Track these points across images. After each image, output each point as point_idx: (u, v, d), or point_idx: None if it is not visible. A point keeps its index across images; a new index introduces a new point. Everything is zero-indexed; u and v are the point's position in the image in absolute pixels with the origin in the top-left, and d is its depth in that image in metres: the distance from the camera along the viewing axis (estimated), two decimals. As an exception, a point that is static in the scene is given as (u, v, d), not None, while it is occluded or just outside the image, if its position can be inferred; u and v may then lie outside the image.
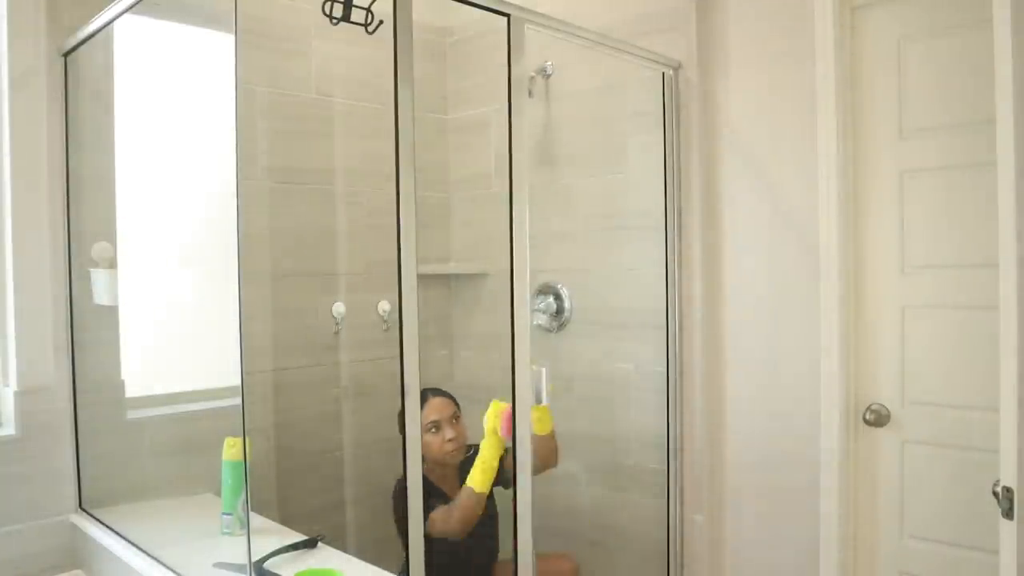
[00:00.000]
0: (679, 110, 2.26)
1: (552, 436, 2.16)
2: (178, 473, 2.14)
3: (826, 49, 1.98)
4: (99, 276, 2.03)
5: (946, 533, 1.88)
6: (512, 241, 1.70)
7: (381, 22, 2.11)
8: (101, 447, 2.08)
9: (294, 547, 1.78)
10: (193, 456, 2.10)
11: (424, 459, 1.51)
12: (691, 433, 2.28)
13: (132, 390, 2.15)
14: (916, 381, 1.93)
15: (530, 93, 2.59)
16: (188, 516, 2.07)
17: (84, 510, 2.03)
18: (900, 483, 1.96)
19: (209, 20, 2.08)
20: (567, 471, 2.55)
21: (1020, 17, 1.29)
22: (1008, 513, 1.31)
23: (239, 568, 1.65)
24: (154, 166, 2.16)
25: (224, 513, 1.87)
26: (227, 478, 1.87)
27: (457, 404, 2.29)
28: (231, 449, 1.87)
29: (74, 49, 2.00)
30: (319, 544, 1.82)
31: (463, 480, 2.28)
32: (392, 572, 1.68)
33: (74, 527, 1.99)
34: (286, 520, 2.05)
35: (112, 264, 2.04)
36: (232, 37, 1.57)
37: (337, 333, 2.57)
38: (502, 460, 2.30)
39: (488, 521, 2.31)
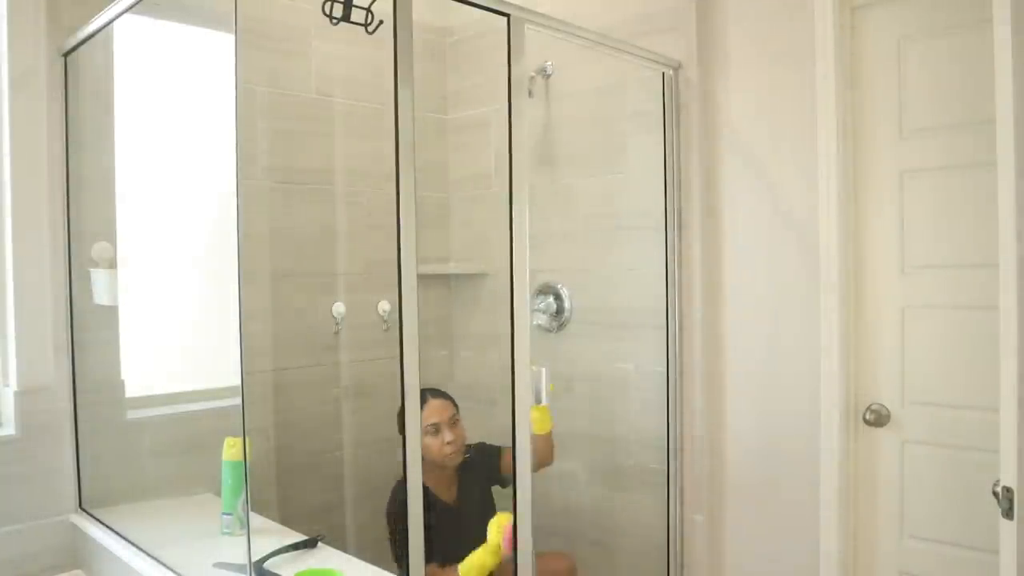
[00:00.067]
0: (679, 110, 2.26)
1: (550, 435, 2.16)
2: (178, 473, 2.14)
3: (826, 49, 1.98)
4: (99, 276, 2.03)
5: (946, 533, 1.88)
6: (512, 241, 1.70)
7: (381, 22, 2.11)
8: (101, 447, 2.08)
9: (294, 547, 1.78)
10: (193, 456, 2.10)
11: (422, 461, 1.51)
12: (691, 433, 2.28)
13: (132, 390, 2.15)
14: (916, 381, 1.93)
15: (530, 93, 2.59)
16: (188, 516, 2.07)
17: (84, 510, 2.03)
18: (900, 483, 1.96)
19: (209, 20, 2.08)
20: (567, 471, 2.55)
21: (1020, 17, 1.29)
22: (1008, 513, 1.31)
23: (239, 568, 1.65)
24: (154, 166, 2.16)
25: (224, 513, 1.87)
26: (227, 478, 1.87)
27: (456, 405, 2.28)
28: (231, 449, 1.87)
29: (74, 49, 2.00)
30: (319, 544, 1.82)
31: (460, 483, 2.28)
32: (392, 572, 1.68)
33: (74, 527, 1.99)
34: (286, 520, 2.05)
35: (112, 264, 2.04)
36: (232, 37, 1.57)
37: (337, 333, 2.57)
38: (500, 460, 2.30)
39: (486, 514, 2.31)
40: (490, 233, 2.79)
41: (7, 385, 1.99)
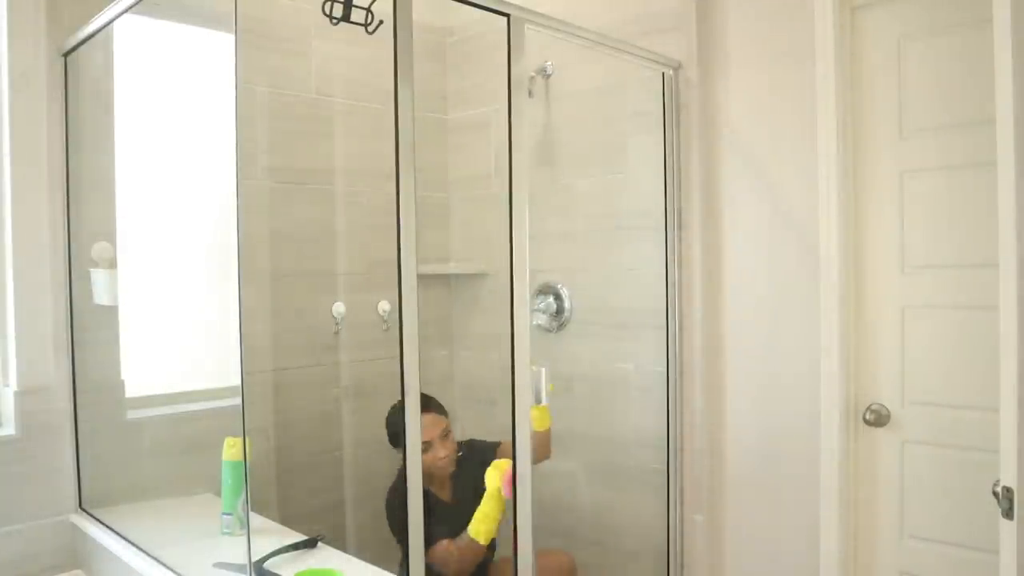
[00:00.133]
0: (679, 110, 2.26)
1: (548, 432, 2.17)
2: (178, 473, 2.15)
3: (826, 49, 1.98)
4: (99, 276, 2.03)
5: (946, 533, 1.88)
6: (512, 241, 1.70)
7: (381, 22, 2.11)
8: (101, 447, 2.08)
9: (294, 547, 1.78)
10: (193, 456, 2.10)
11: None
12: (691, 433, 2.28)
13: (132, 390, 2.15)
14: (916, 381, 1.93)
15: (530, 93, 2.59)
16: (188, 516, 2.07)
17: (84, 510, 2.03)
18: (900, 483, 1.96)
19: (209, 20, 2.08)
20: (567, 470, 2.55)
21: (1020, 17, 1.29)
22: (1008, 513, 1.31)
23: (239, 568, 1.65)
24: (154, 166, 2.16)
25: (224, 513, 1.87)
26: (227, 478, 1.87)
27: (446, 414, 2.28)
28: (231, 449, 1.87)
29: (74, 49, 2.00)
30: (319, 544, 1.82)
31: (455, 487, 2.27)
32: (392, 572, 1.68)
33: (74, 527, 1.99)
34: (286, 520, 2.05)
35: (112, 264, 2.04)
36: (232, 37, 1.57)
37: (337, 333, 2.57)
38: (495, 455, 2.30)
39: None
40: (490, 233, 2.79)
41: (7, 385, 1.99)
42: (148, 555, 1.78)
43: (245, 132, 2.31)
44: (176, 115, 2.16)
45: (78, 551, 1.99)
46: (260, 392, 2.36)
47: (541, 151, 2.65)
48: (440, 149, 2.95)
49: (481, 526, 1.99)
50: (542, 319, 2.64)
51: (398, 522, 2.15)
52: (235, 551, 1.74)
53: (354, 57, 2.57)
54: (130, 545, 1.84)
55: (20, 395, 1.95)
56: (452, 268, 2.92)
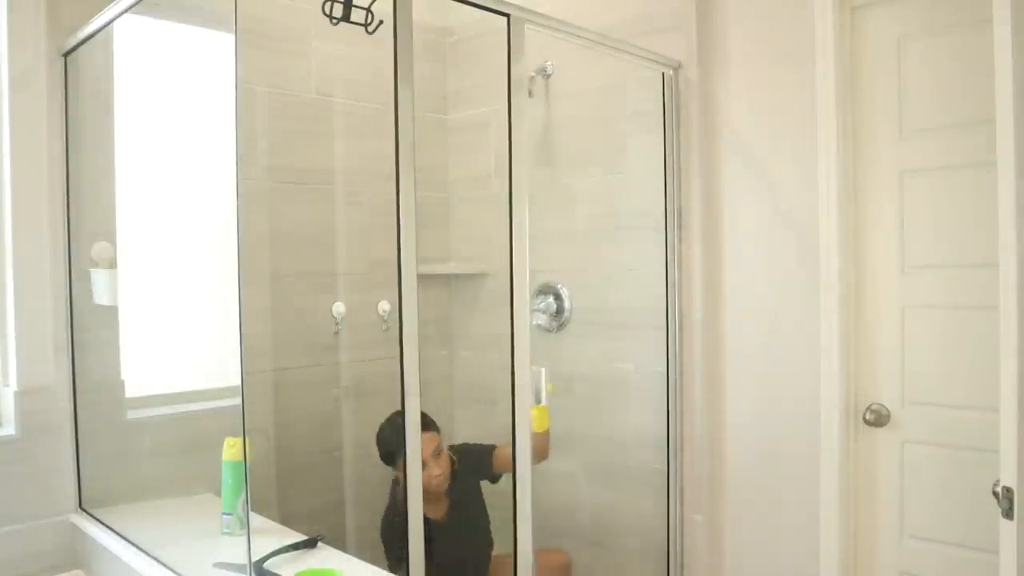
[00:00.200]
0: (679, 110, 2.26)
1: (547, 432, 2.17)
2: (178, 473, 2.14)
3: (826, 49, 1.98)
4: (99, 276, 2.03)
5: (946, 533, 1.88)
6: (512, 241, 1.70)
7: (381, 22, 2.11)
8: (101, 447, 2.08)
9: (294, 547, 1.78)
10: (193, 456, 2.10)
11: None
12: (691, 433, 2.28)
13: (132, 390, 2.15)
14: (916, 381, 1.93)
15: (530, 93, 2.59)
16: (188, 516, 2.07)
17: (84, 510, 2.03)
18: (900, 483, 1.96)
19: (209, 20, 2.08)
20: (567, 470, 2.55)
21: (1020, 17, 1.29)
22: (1008, 513, 1.31)
23: (239, 568, 1.65)
24: (154, 166, 2.16)
25: (224, 513, 1.87)
26: (227, 478, 1.87)
27: (438, 430, 2.25)
28: (231, 449, 1.87)
29: (74, 49, 2.00)
30: (319, 544, 1.82)
31: (452, 498, 2.26)
32: (391, 572, 1.68)
33: (74, 527, 1.99)
34: (286, 520, 2.05)
35: (112, 264, 2.04)
36: (232, 37, 1.57)
37: (337, 333, 2.57)
38: (491, 459, 2.30)
39: (477, 516, 2.32)
40: (490, 233, 2.79)
41: (7, 385, 1.99)
42: (148, 555, 1.78)
43: (245, 132, 2.31)
44: (176, 115, 2.16)
45: (78, 551, 1.99)
46: (260, 392, 2.36)
47: (541, 151, 2.65)
48: (440, 149, 2.95)
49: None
50: (542, 319, 2.64)
51: (395, 551, 2.14)
52: (235, 551, 1.74)
53: (354, 57, 2.57)
54: (130, 545, 1.83)
55: (20, 395, 1.95)
56: (452, 268, 2.92)
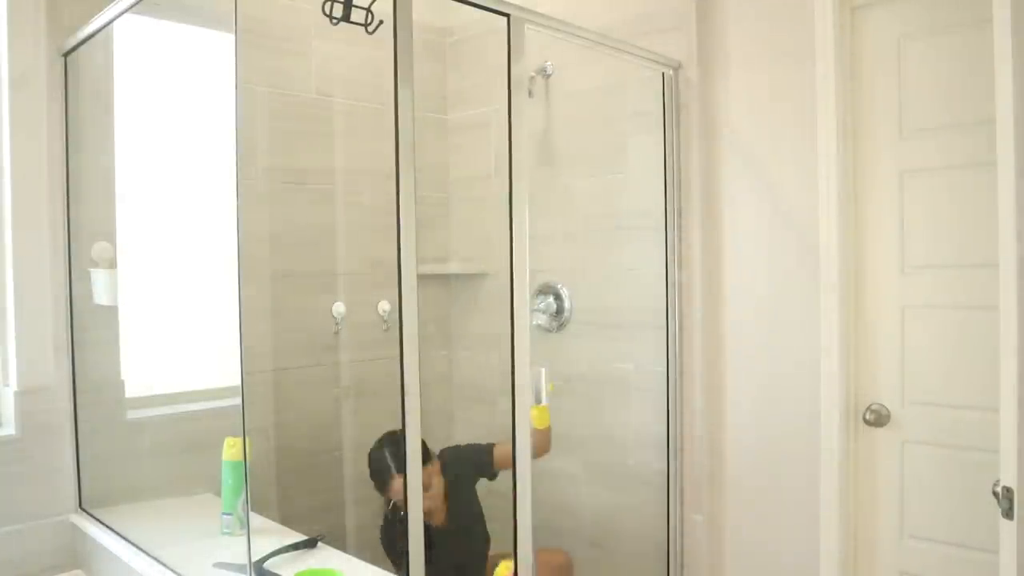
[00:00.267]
0: (679, 110, 2.26)
1: (548, 429, 2.17)
2: (178, 473, 2.15)
3: (826, 49, 1.98)
4: (99, 276, 2.04)
5: (946, 533, 1.88)
6: (512, 241, 1.70)
7: (381, 22, 2.11)
8: (101, 447, 2.08)
9: (294, 547, 1.78)
10: (193, 456, 2.10)
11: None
12: (691, 433, 2.28)
13: (132, 390, 2.15)
14: (916, 381, 1.93)
15: (530, 93, 2.59)
16: (188, 516, 2.07)
17: (84, 510, 2.03)
18: (900, 483, 1.96)
19: (209, 20, 2.09)
20: (567, 471, 2.55)
21: (1020, 17, 1.29)
22: (1008, 513, 1.31)
23: (239, 568, 1.65)
24: (154, 166, 2.16)
25: (224, 513, 1.87)
26: (227, 478, 1.87)
27: (431, 459, 2.19)
28: (231, 449, 1.87)
29: (74, 49, 2.00)
30: (319, 544, 1.82)
31: (448, 502, 2.23)
32: (391, 572, 1.68)
33: (74, 527, 1.99)
34: (286, 520, 2.05)
35: (112, 264, 2.04)
36: (232, 37, 1.57)
37: (337, 333, 2.57)
38: (491, 457, 2.29)
39: (474, 516, 2.32)
40: (490, 233, 2.79)
41: (7, 385, 1.99)
42: (148, 555, 1.78)
43: (245, 132, 2.30)
44: (176, 115, 2.16)
45: (78, 551, 1.99)
46: (260, 392, 2.36)
47: (541, 151, 2.65)
48: (440, 149, 2.95)
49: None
50: (542, 319, 2.64)
51: (395, 551, 2.13)
52: (235, 551, 1.74)
53: (354, 57, 2.57)
54: (130, 545, 1.84)
55: (20, 395, 1.95)
56: (452, 268, 2.92)
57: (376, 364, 2.63)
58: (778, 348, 2.13)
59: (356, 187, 2.61)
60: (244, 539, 1.65)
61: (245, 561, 1.61)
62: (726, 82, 2.21)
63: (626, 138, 2.45)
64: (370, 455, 2.20)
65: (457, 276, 2.94)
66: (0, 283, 1.98)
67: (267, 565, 1.68)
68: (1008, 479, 1.31)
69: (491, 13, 1.69)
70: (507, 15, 1.69)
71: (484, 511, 2.35)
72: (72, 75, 2.04)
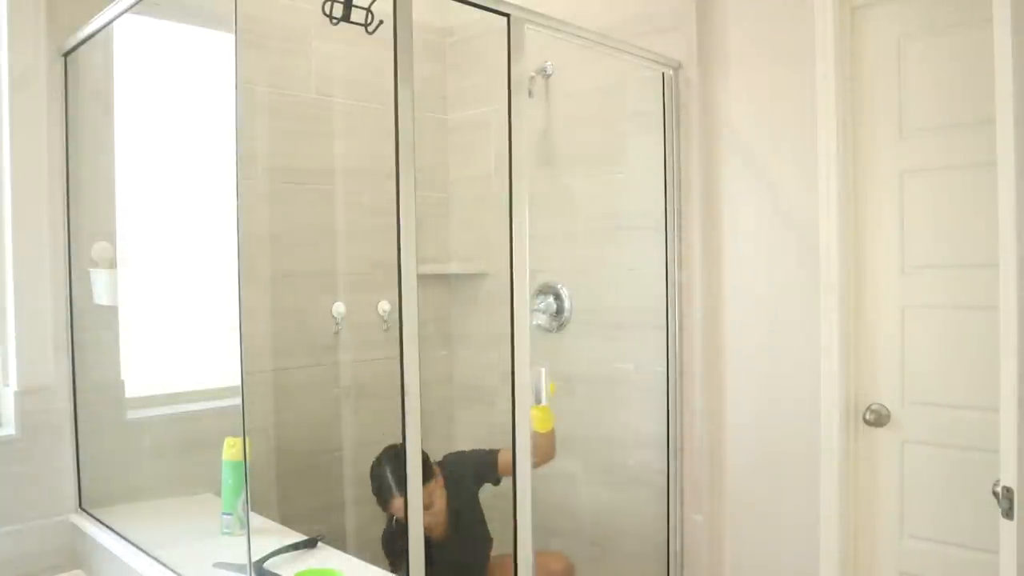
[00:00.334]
0: (679, 110, 2.26)
1: (551, 432, 2.17)
2: (178, 473, 2.15)
3: (826, 49, 1.98)
4: (99, 276, 2.03)
5: (946, 533, 1.88)
6: (512, 241, 1.70)
7: (381, 22, 2.11)
8: (101, 447, 2.08)
9: (294, 547, 1.78)
10: (193, 456, 2.10)
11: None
12: (691, 433, 2.28)
13: (132, 390, 2.15)
14: (916, 381, 1.93)
15: (530, 93, 2.59)
16: (188, 516, 2.07)
17: (84, 510, 2.03)
18: (900, 483, 1.96)
19: (209, 20, 2.09)
20: (567, 471, 2.55)
21: (1020, 17, 1.29)
22: (1008, 513, 1.31)
23: (239, 568, 1.65)
24: (154, 166, 2.16)
25: (224, 513, 1.87)
26: (227, 478, 1.87)
27: (432, 476, 2.14)
28: (231, 449, 1.87)
29: (74, 49, 2.00)
30: (319, 544, 1.82)
31: (451, 513, 2.23)
32: (391, 572, 1.68)
33: (74, 527, 1.99)
34: (286, 520, 2.05)
35: (112, 264, 2.04)
36: (232, 37, 1.57)
37: (337, 333, 2.57)
38: (496, 461, 2.29)
39: (476, 522, 2.31)
40: (490, 233, 2.79)
41: (7, 385, 1.99)
42: (148, 555, 1.78)
43: (245, 132, 2.30)
44: (176, 115, 2.16)
45: (78, 551, 1.99)
46: (260, 392, 2.36)
47: (541, 151, 2.65)
48: (440, 149, 2.95)
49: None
50: (542, 319, 2.64)
51: (396, 556, 2.13)
52: (235, 551, 1.74)
53: (354, 57, 2.57)
54: (130, 545, 1.84)
55: (20, 395, 1.95)
56: (452, 268, 2.91)
57: (376, 364, 2.63)
58: (778, 348, 2.13)
59: (356, 187, 2.61)
60: (244, 539, 1.65)
61: (245, 561, 1.61)
62: (726, 82, 2.21)
63: (626, 138, 2.45)
64: (371, 472, 2.18)
65: (457, 276, 2.94)
66: (0, 283, 1.98)
67: (267, 565, 1.68)
68: (1008, 479, 1.31)
69: (491, 13, 1.69)
70: (507, 15, 1.69)
71: (486, 511, 2.35)
72: (72, 75, 2.04)
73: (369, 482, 2.21)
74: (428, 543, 1.97)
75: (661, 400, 2.31)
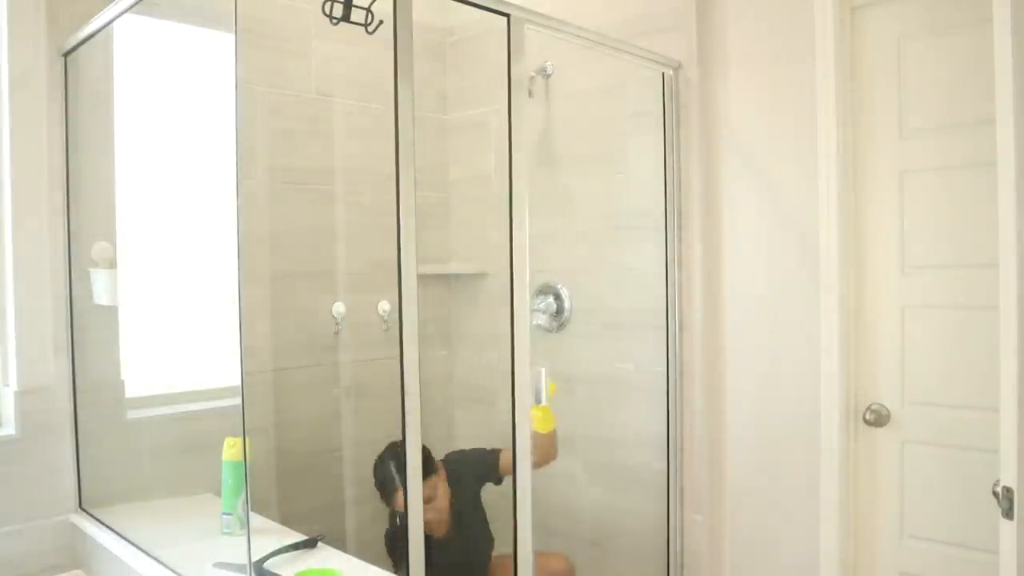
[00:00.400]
0: (679, 110, 2.26)
1: (553, 433, 2.17)
2: (178, 473, 2.15)
3: (826, 49, 1.98)
4: (99, 276, 2.03)
5: (946, 533, 1.88)
6: (512, 241, 1.70)
7: (381, 22, 2.11)
8: (101, 447, 2.08)
9: (294, 547, 1.78)
10: (193, 456, 2.10)
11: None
12: (691, 433, 2.28)
13: (132, 390, 2.15)
14: (916, 381, 1.93)
15: (530, 93, 2.59)
16: (188, 516, 2.07)
17: (84, 510, 2.03)
18: (900, 483, 1.96)
19: (209, 20, 2.09)
20: (567, 471, 2.55)
21: (1020, 17, 1.29)
22: (1008, 513, 1.31)
23: (239, 568, 1.65)
24: (154, 166, 2.16)
25: (224, 513, 1.87)
26: (227, 478, 1.87)
27: (435, 470, 2.17)
28: (231, 449, 1.87)
29: (74, 49, 2.00)
30: (319, 544, 1.82)
31: (453, 511, 2.23)
32: (391, 572, 1.68)
33: (74, 527, 1.99)
34: (286, 520, 2.05)
35: (112, 264, 2.04)
36: (232, 37, 1.57)
37: (337, 333, 2.56)
38: (498, 461, 2.29)
39: (478, 522, 2.31)
40: (490, 233, 2.79)
41: (7, 385, 1.99)
42: (148, 555, 1.78)
43: (245, 132, 2.30)
44: (176, 115, 2.16)
45: (78, 551, 1.99)
46: (260, 392, 2.36)
47: (541, 151, 2.65)
48: (440, 149, 2.95)
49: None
50: (542, 319, 2.64)
51: (398, 554, 2.13)
52: (235, 551, 1.74)
53: (354, 57, 2.57)
54: (130, 545, 1.84)
55: (20, 395, 1.95)
56: (452, 268, 2.91)
57: (376, 364, 2.63)
58: (778, 348, 2.13)
59: (356, 187, 2.61)
60: (244, 539, 1.65)
61: (245, 561, 1.61)
62: (726, 82, 2.21)
63: (626, 138, 2.45)
64: (375, 467, 2.19)
65: (457, 276, 2.94)
66: (0, 283, 1.98)
67: (267, 565, 1.68)
68: (1008, 479, 1.31)
69: (491, 13, 1.69)
70: (507, 15, 1.69)
71: (487, 511, 2.35)
72: (72, 75, 2.04)
73: (370, 481, 2.21)
74: (429, 542, 1.97)
75: (661, 400, 2.31)
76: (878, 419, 1.97)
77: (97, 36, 1.92)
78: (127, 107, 2.11)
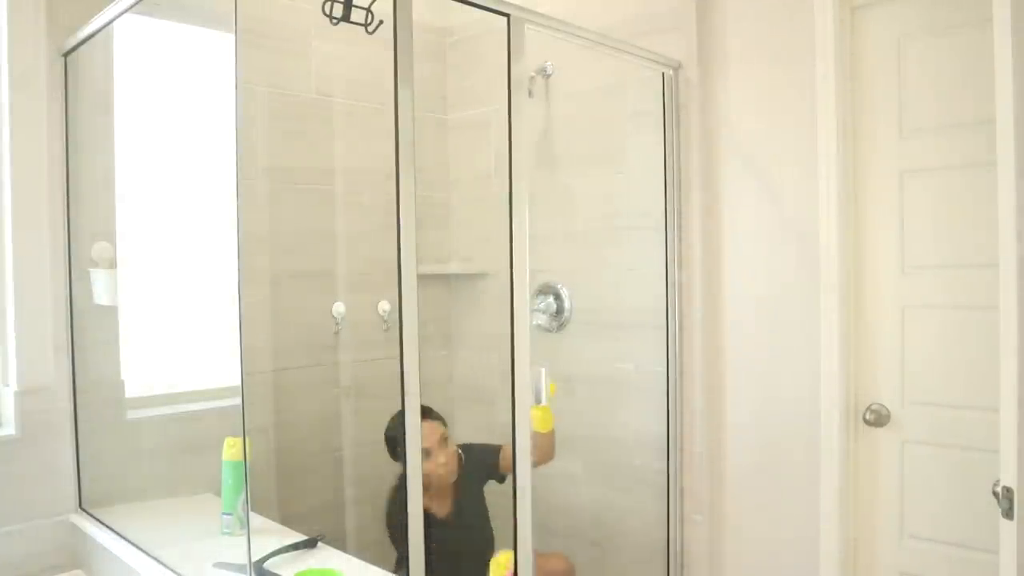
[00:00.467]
0: (679, 110, 2.26)
1: (551, 433, 2.17)
2: (178, 473, 2.15)
3: (826, 49, 1.98)
4: (99, 276, 2.04)
5: (946, 533, 1.88)
6: (512, 241, 1.70)
7: (381, 22, 2.11)
8: (101, 447, 2.08)
9: (294, 547, 1.78)
10: (193, 456, 2.10)
11: None
12: (691, 433, 2.28)
13: (132, 390, 2.15)
14: (916, 381, 1.93)
15: (530, 93, 2.59)
16: (188, 516, 2.07)
17: (84, 510, 2.03)
18: (900, 483, 1.96)
19: (209, 20, 2.09)
20: (567, 471, 2.55)
21: (1020, 17, 1.29)
22: (1008, 513, 1.31)
23: (239, 568, 1.65)
24: (154, 166, 2.16)
25: (224, 513, 1.87)
26: (227, 478, 1.87)
27: (445, 424, 2.25)
28: (231, 449, 1.87)
29: (74, 49, 2.00)
30: (319, 544, 1.82)
31: (455, 495, 2.25)
32: (391, 572, 1.68)
33: (74, 527, 1.99)
34: (286, 520, 2.05)
35: (112, 264, 2.04)
36: (232, 37, 1.57)
37: (337, 333, 2.56)
38: (498, 458, 2.30)
39: (479, 516, 2.31)
40: (490, 233, 2.79)
41: (7, 385, 1.99)
42: (148, 555, 1.78)
43: (245, 132, 2.30)
44: (176, 115, 2.16)
45: (78, 551, 1.99)
46: (260, 392, 2.36)
47: (541, 151, 2.65)
48: (440, 149, 2.95)
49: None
50: (542, 319, 2.64)
51: (399, 535, 2.13)
52: (235, 551, 1.74)
53: (354, 57, 2.57)
54: (130, 545, 1.84)
55: (20, 395, 1.95)
56: (452, 268, 2.91)
57: (376, 364, 2.63)
58: (778, 348, 2.13)
59: (356, 187, 2.61)
60: (244, 539, 1.65)
61: (245, 561, 1.61)
62: (726, 82, 2.21)
63: (626, 138, 2.45)
64: (386, 432, 2.25)
65: (457, 276, 2.94)
66: (0, 283, 1.98)
67: (267, 565, 1.68)
68: (1008, 479, 1.31)
69: (491, 13, 1.69)
70: (507, 15, 1.69)
71: (489, 511, 2.35)
72: (72, 75, 2.04)
73: (370, 481, 2.22)
74: (431, 521, 1.98)
75: (661, 400, 2.31)
76: (878, 419, 1.97)
77: (97, 36, 1.92)
78: (127, 107, 2.11)
